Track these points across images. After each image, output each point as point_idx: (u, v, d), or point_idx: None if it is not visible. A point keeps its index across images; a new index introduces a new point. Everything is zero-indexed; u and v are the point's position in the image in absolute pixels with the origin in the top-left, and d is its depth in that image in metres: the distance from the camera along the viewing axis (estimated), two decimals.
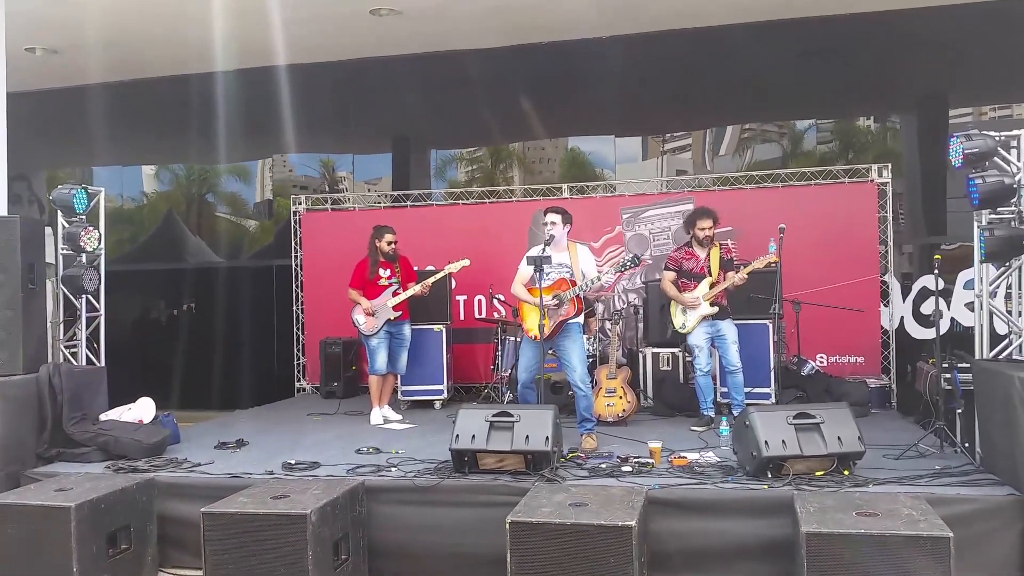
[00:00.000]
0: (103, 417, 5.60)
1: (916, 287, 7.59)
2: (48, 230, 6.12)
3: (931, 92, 8.23)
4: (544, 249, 5.46)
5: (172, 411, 6.16)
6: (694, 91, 8.68)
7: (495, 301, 7.64)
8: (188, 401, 8.51)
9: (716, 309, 6.04)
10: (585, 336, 6.91)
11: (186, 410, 7.58)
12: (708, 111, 8.87)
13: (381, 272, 6.72)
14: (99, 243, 6.04)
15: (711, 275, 6.08)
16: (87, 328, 6.11)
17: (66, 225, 5.94)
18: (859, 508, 3.68)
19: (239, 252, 10.23)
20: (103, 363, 6.18)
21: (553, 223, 5.58)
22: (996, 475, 4.32)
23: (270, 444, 5.81)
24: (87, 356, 6.11)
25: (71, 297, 6.03)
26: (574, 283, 5.48)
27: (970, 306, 6.45)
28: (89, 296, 6.06)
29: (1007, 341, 4.92)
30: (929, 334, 7.17)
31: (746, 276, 5.97)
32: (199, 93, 9.25)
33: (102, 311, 6.22)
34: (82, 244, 5.83)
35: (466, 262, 6.81)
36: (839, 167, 7.77)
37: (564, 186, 8.42)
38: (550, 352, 5.71)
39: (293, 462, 5.01)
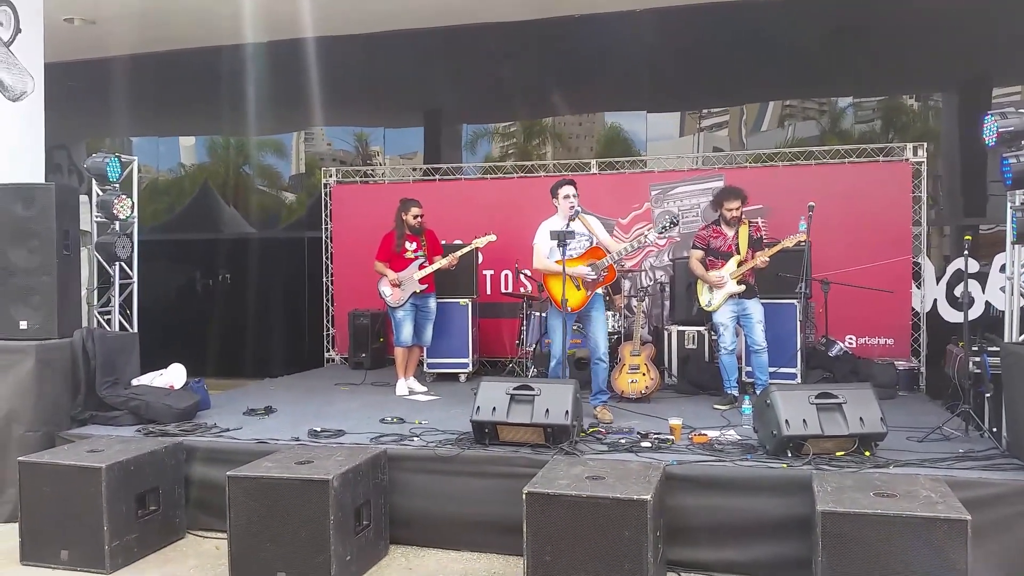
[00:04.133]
0: (135, 382, 5.72)
1: (950, 269, 7.44)
2: (84, 198, 6.19)
3: (974, 70, 7.97)
4: (568, 224, 5.47)
5: (205, 378, 6.27)
6: (730, 66, 8.50)
7: (521, 276, 7.66)
8: (220, 369, 8.66)
9: (743, 288, 5.99)
10: (610, 312, 6.95)
11: (218, 377, 7.73)
12: (744, 87, 8.69)
13: (407, 245, 6.75)
14: (132, 211, 6.14)
15: (739, 253, 6.02)
16: (120, 295, 6.23)
17: (100, 193, 6.06)
18: (877, 489, 3.66)
19: (272, 223, 10.32)
20: (135, 329, 6.31)
21: (576, 195, 5.63)
22: (1022, 460, 4.24)
23: (297, 412, 5.91)
24: (120, 322, 6.24)
25: (105, 264, 6.15)
26: (602, 251, 5.53)
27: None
28: (122, 263, 6.18)
29: None
30: (962, 317, 7.04)
31: (767, 260, 5.95)
32: (231, 65, 9.33)
33: (135, 278, 6.34)
34: (115, 212, 5.95)
35: (492, 237, 6.82)
36: (873, 146, 7.61)
37: (593, 161, 8.36)
38: (575, 328, 5.76)
39: (319, 429, 5.10)
